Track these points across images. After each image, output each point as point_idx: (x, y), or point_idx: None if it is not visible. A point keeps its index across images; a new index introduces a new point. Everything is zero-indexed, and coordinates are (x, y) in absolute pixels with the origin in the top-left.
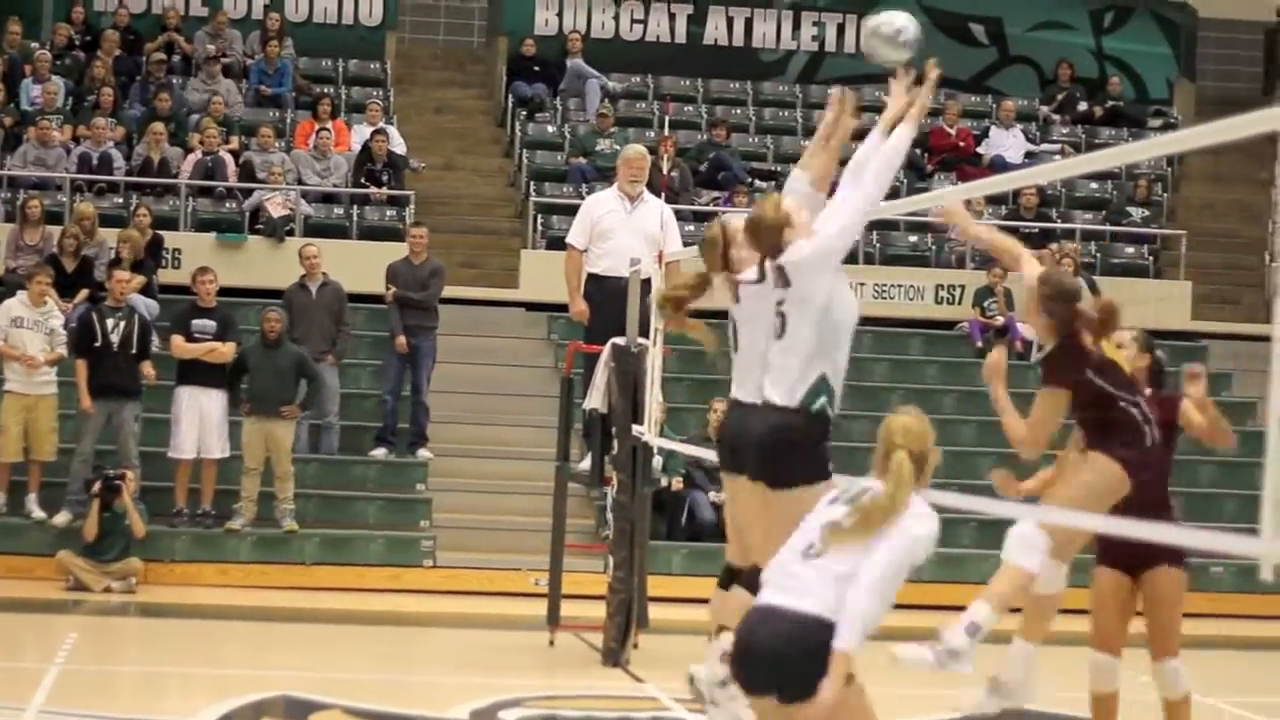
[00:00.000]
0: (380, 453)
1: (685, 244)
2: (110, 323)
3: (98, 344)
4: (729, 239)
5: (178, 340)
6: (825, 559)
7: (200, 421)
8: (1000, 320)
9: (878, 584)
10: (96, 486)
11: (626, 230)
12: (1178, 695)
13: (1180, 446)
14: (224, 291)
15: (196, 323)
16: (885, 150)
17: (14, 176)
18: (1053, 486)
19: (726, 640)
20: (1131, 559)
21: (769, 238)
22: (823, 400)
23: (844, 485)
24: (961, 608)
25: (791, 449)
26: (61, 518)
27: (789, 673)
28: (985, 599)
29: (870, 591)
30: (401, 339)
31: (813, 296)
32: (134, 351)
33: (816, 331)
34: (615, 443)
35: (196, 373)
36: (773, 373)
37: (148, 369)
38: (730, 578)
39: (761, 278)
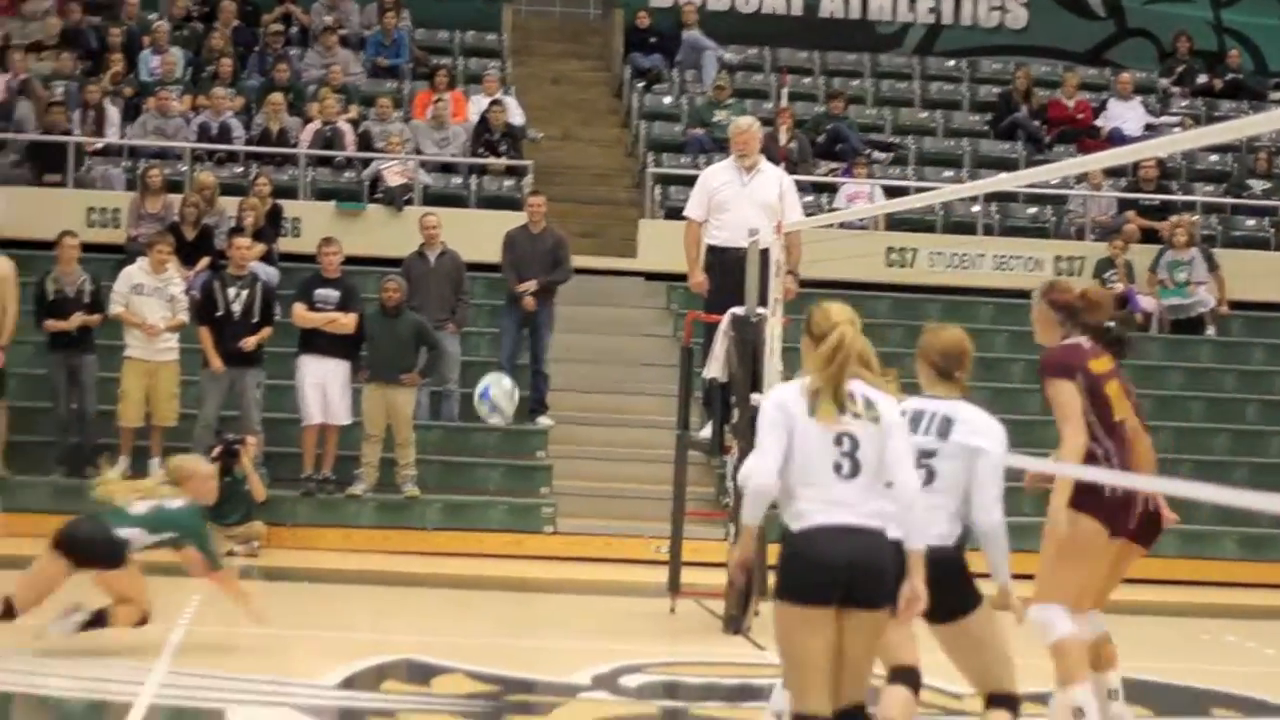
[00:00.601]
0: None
1: (806, 214)
2: (232, 291)
3: (219, 313)
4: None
5: (300, 309)
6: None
7: (323, 389)
8: (1120, 288)
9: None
10: (216, 451)
11: (743, 201)
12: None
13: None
14: (343, 260)
15: (319, 292)
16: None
17: (135, 146)
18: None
19: None
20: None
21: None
22: None
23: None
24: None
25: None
26: None
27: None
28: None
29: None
30: (530, 299)
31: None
32: (255, 320)
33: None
34: (735, 411)
35: (319, 341)
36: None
37: (249, 341)
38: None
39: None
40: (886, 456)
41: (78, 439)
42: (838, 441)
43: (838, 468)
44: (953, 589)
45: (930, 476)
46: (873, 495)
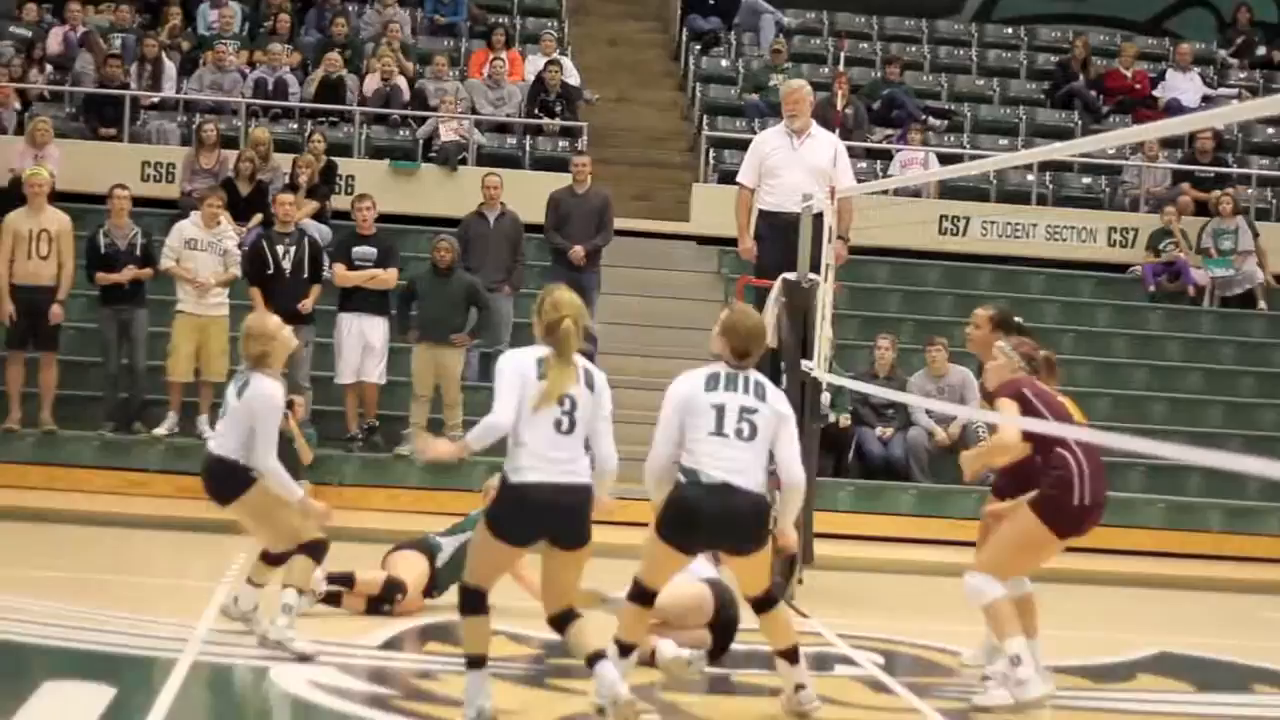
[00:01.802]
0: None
1: (860, 180)
2: (280, 248)
3: (269, 270)
4: None
5: (339, 268)
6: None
7: (362, 347)
8: (1176, 256)
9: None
10: None
11: (794, 165)
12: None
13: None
14: (395, 219)
15: (356, 250)
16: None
17: (190, 100)
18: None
19: None
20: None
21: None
22: None
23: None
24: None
25: None
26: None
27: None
28: (1000, 640)
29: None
30: (578, 249)
31: None
32: (305, 276)
33: None
34: (784, 378)
35: (358, 299)
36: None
37: (305, 303)
38: None
39: None
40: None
41: (127, 394)
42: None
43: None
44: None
45: (752, 431)
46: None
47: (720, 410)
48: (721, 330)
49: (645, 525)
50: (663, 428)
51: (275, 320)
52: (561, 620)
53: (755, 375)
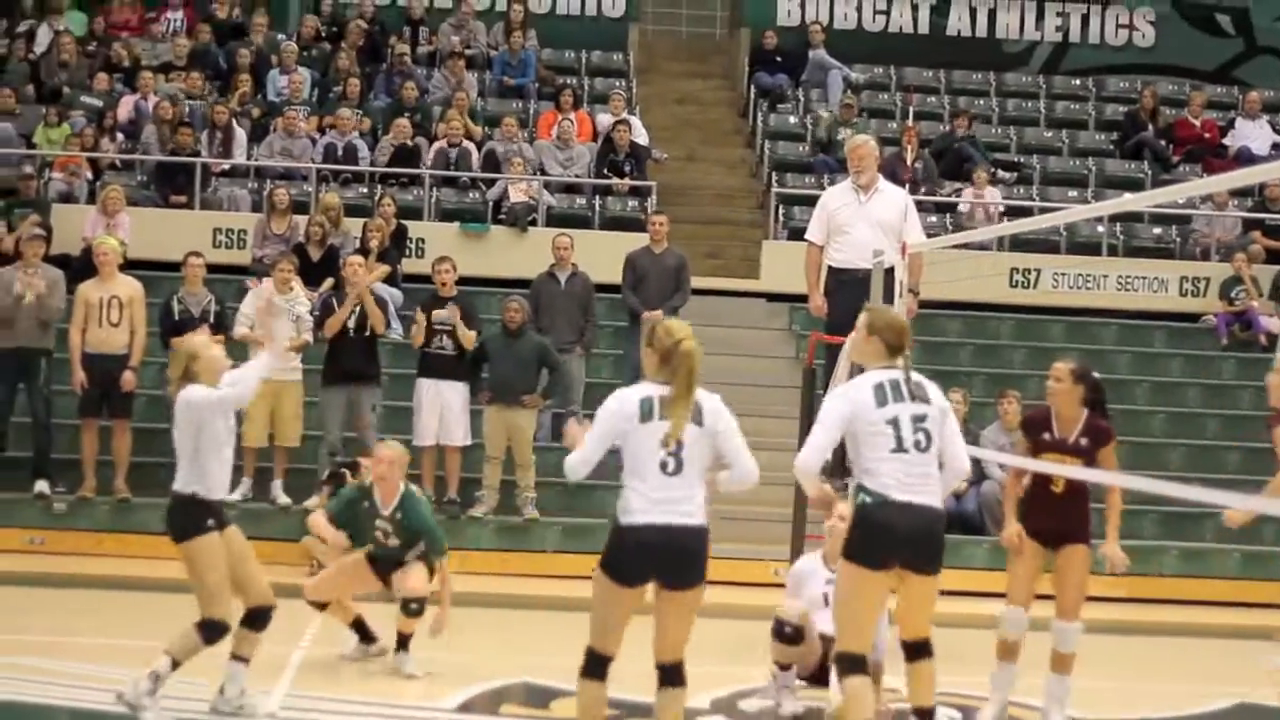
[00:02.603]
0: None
1: (930, 234)
2: (340, 306)
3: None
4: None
5: (414, 329)
6: (684, 470)
7: (440, 410)
8: (1246, 306)
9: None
10: (327, 474)
11: (862, 221)
12: (1068, 651)
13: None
14: (466, 281)
15: (437, 313)
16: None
17: (261, 167)
18: None
19: None
20: (1052, 536)
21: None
22: None
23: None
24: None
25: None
26: (312, 502)
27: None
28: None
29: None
30: (658, 313)
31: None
32: (367, 334)
33: None
34: None
35: (436, 365)
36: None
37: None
38: None
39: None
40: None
41: None
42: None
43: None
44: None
45: (928, 440)
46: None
47: (895, 424)
48: (870, 330)
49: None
50: (823, 433)
51: (202, 339)
52: (665, 675)
53: (913, 375)
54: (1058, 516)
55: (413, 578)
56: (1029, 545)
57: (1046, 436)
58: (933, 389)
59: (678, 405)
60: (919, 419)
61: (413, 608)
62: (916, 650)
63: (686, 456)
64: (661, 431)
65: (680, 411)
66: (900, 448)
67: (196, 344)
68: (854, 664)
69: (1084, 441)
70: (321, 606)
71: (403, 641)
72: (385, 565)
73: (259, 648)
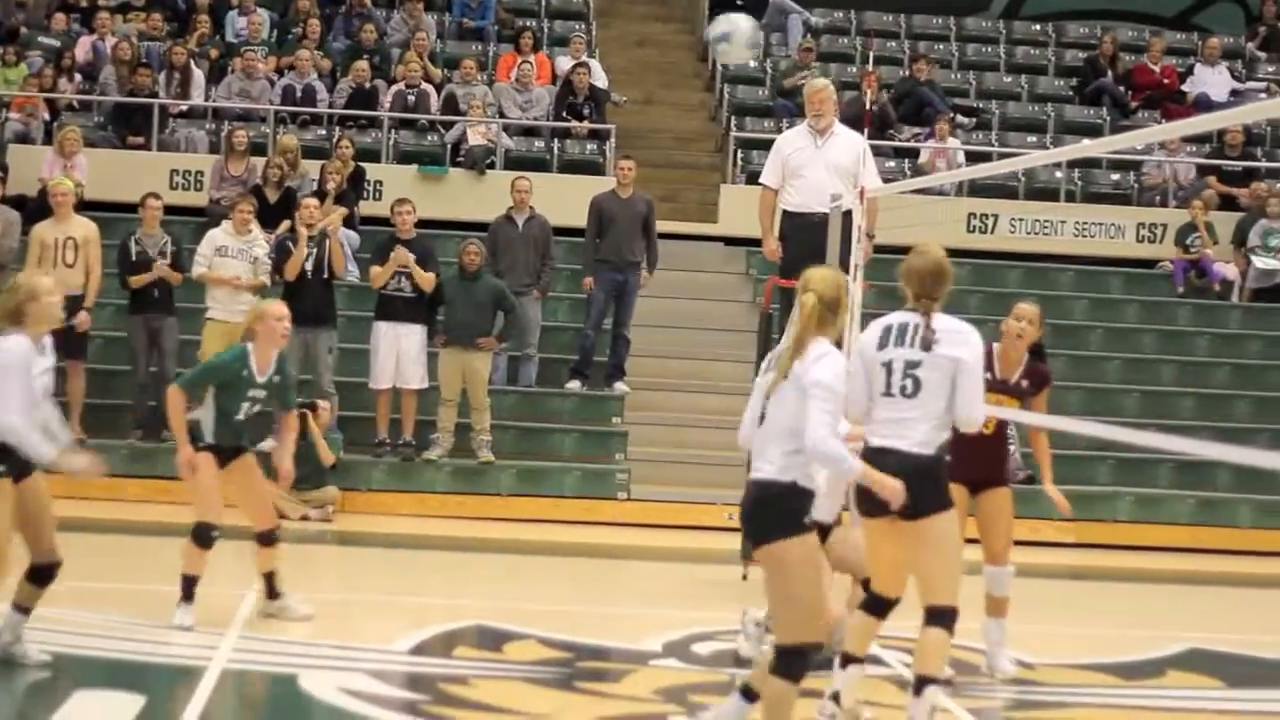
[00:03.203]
0: (575, 386)
1: (889, 179)
2: (298, 249)
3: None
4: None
5: (376, 270)
6: (768, 422)
7: (397, 353)
8: (1201, 253)
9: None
10: None
11: (817, 165)
12: (1003, 595)
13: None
14: (424, 224)
15: (398, 250)
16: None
17: (219, 108)
18: None
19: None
20: (977, 480)
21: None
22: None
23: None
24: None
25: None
26: (267, 444)
27: (751, 526)
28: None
29: (822, 437)
30: (588, 280)
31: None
32: (325, 277)
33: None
34: None
35: (395, 308)
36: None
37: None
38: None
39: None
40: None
41: (155, 402)
42: None
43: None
44: (925, 491)
45: (916, 387)
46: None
47: (889, 367)
48: (902, 276)
49: (701, 529)
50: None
51: (49, 282)
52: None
53: (938, 322)
54: (983, 460)
55: (258, 505)
56: (956, 491)
57: (988, 376)
58: (953, 338)
59: (785, 354)
60: (912, 364)
61: (270, 538)
62: (925, 615)
63: (769, 412)
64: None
65: (781, 365)
66: (888, 391)
67: (40, 285)
68: (880, 606)
69: (1025, 384)
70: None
71: (270, 580)
72: (226, 455)
73: (39, 600)
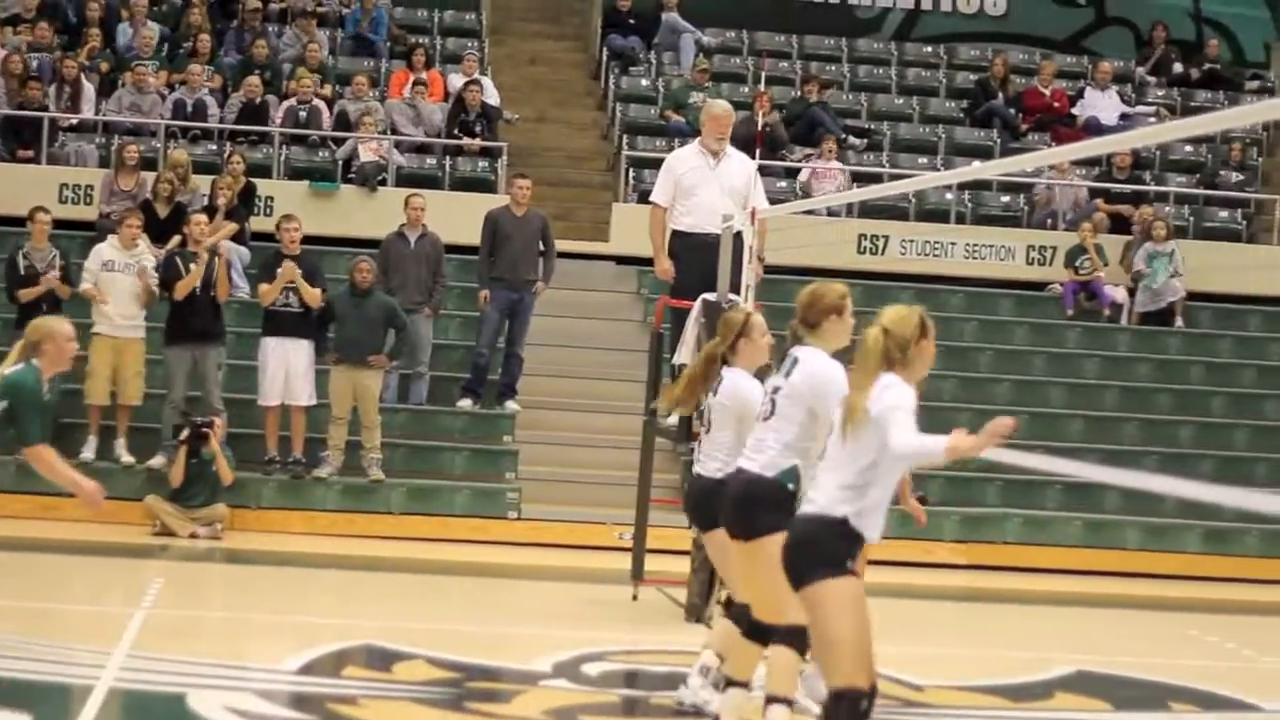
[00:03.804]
0: (466, 404)
1: (780, 199)
2: (193, 267)
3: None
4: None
5: (265, 287)
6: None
7: (286, 370)
8: (1092, 275)
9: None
10: (185, 433)
11: (711, 186)
12: None
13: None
14: (315, 240)
15: (286, 265)
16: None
17: (109, 122)
18: None
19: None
20: None
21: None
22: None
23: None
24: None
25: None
26: (156, 461)
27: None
28: None
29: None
30: (484, 293)
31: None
32: (214, 293)
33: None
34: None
35: (282, 323)
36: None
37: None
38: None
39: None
40: None
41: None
42: None
43: None
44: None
45: (772, 411)
46: None
47: (768, 394)
48: None
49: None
50: None
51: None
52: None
53: (801, 352)
54: None
55: None
56: None
57: None
58: (808, 367)
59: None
60: (775, 390)
61: None
62: (775, 636)
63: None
64: None
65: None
66: (759, 416)
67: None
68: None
69: None
70: None
71: None
72: None
73: None
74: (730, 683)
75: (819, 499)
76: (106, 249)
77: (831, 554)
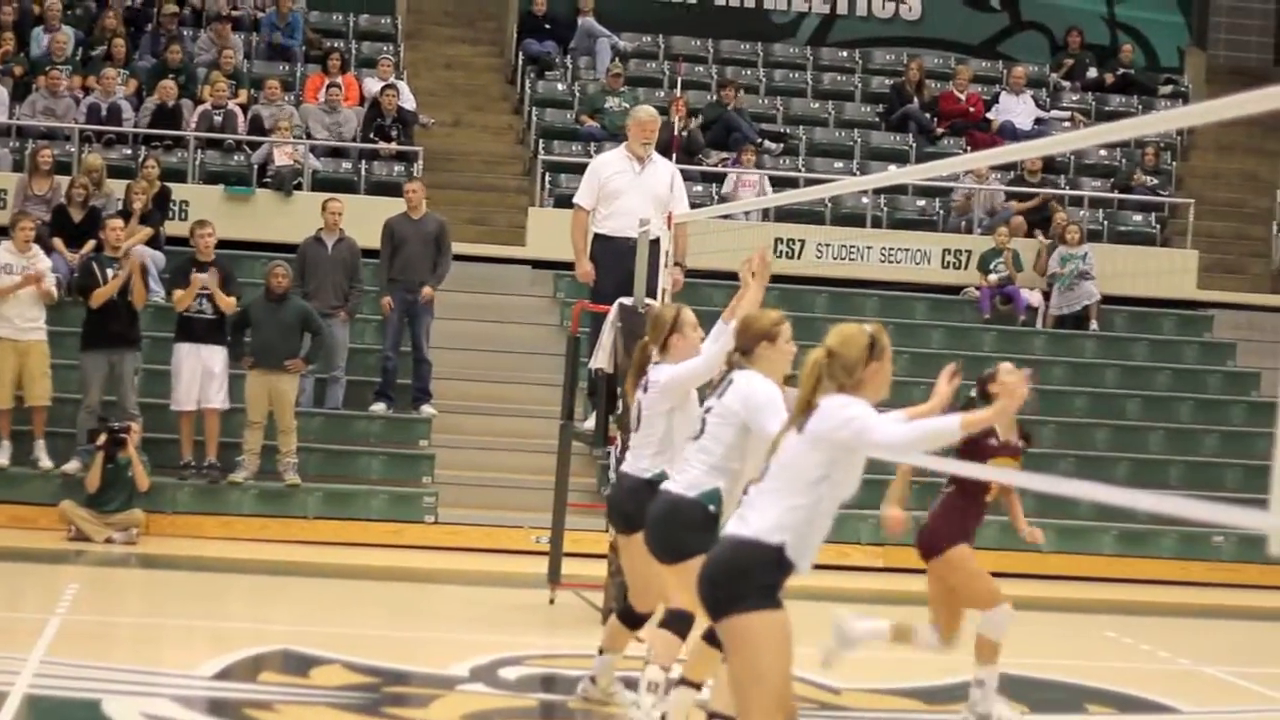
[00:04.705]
0: (379, 408)
1: (697, 204)
2: (110, 272)
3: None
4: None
5: (179, 294)
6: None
7: (200, 374)
8: (1003, 277)
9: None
10: (101, 439)
11: (635, 191)
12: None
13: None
14: (231, 244)
15: (196, 275)
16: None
17: (23, 126)
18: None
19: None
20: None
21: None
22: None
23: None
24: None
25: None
26: (71, 466)
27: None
28: None
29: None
30: (387, 299)
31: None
32: (130, 298)
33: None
34: (620, 402)
35: (196, 329)
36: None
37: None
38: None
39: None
40: None
41: None
42: None
43: None
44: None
45: (701, 431)
46: None
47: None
48: None
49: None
50: None
51: None
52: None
53: (735, 374)
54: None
55: None
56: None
57: (992, 442)
58: (737, 388)
59: None
60: (706, 410)
61: None
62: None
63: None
64: None
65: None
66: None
67: None
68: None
69: (1021, 443)
70: None
71: None
72: None
73: None
74: (683, 681)
75: (755, 522)
76: (2, 252)
77: (762, 584)
